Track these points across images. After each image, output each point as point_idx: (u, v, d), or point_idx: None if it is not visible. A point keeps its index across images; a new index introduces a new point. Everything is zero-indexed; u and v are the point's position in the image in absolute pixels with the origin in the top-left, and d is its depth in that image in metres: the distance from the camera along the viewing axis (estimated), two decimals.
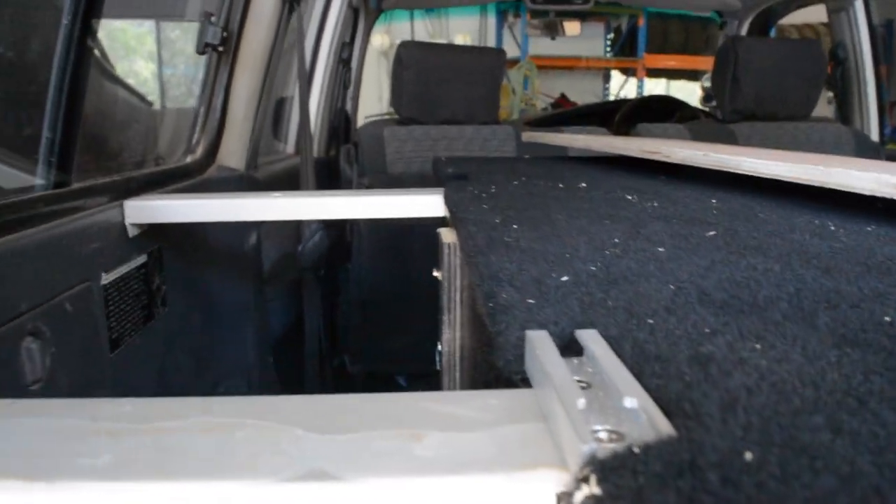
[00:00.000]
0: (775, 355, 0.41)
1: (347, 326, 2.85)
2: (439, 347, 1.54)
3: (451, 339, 0.92)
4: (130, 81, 1.99)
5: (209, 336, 1.79)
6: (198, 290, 1.71)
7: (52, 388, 1.04)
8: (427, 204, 1.28)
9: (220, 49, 1.70)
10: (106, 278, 1.21)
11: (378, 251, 2.69)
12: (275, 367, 2.13)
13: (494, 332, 0.49)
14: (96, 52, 1.23)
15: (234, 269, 1.88)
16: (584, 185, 1.21)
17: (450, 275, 0.90)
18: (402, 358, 2.90)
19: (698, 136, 2.69)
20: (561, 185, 1.20)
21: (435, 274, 0.97)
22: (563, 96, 8.23)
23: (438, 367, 1.80)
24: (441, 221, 1.31)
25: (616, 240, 0.75)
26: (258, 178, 1.93)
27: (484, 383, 0.63)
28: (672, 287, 0.57)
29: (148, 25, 2.63)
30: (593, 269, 0.62)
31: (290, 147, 2.96)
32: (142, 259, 1.35)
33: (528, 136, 1.81)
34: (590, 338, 0.45)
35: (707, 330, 0.46)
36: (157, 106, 1.91)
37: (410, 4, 4.11)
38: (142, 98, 1.92)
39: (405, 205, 1.29)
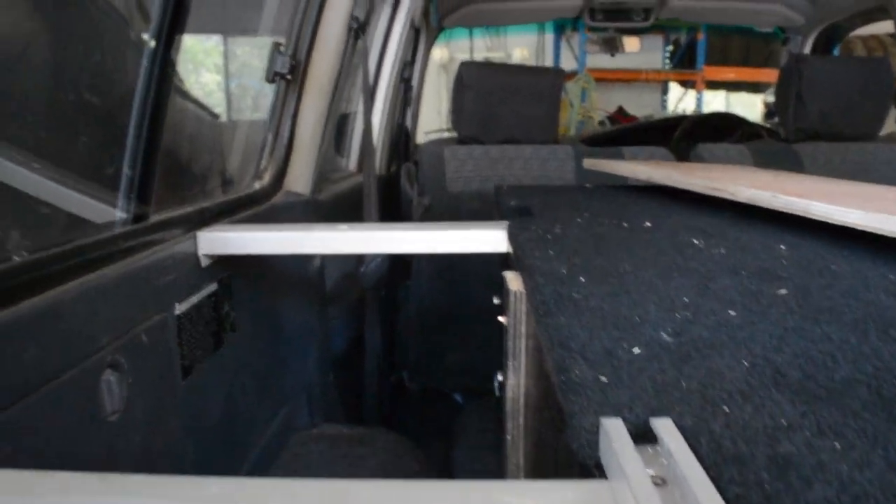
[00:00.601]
0: (856, 458, 0.41)
1: (406, 343, 2.88)
2: (499, 378, 1.55)
3: (516, 385, 0.93)
4: (198, 102, 2.05)
5: (274, 358, 1.83)
6: (264, 313, 1.75)
7: (129, 418, 1.08)
8: (490, 239, 1.29)
9: (289, 77, 1.74)
10: (179, 308, 1.25)
11: (437, 271, 2.72)
12: (335, 384, 2.16)
13: (568, 414, 0.50)
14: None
15: (298, 291, 1.92)
16: (648, 224, 1.20)
17: (515, 321, 0.91)
18: (459, 375, 2.91)
19: (761, 158, 2.64)
20: (625, 225, 1.19)
21: (500, 319, 0.98)
22: (620, 109, 8.15)
23: (497, 394, 1.80)
24: (504, 257, 1.32)
25: (685, 298, 0.75)
26: (322, 201, 1.97)
27: (553, 454, 0.63)
28: (746, 363, 0.57)
29: (216, 41, 2.71)
30: (665, 337, 0.63)
31: (352, 163, 3.01)
32: (212, 287, 1.39)
33: (590, 163, 1.81)
34: (665, 428, 0.46)
35: (784, 422, 0.46)
36: (226, 130, 1.96)
37: (470, 22, 4.13)
38: (211, 122, 1.97)
39: (469, 240, 1.30)
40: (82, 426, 0.97)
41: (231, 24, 2.43)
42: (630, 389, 0.52)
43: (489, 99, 2.87)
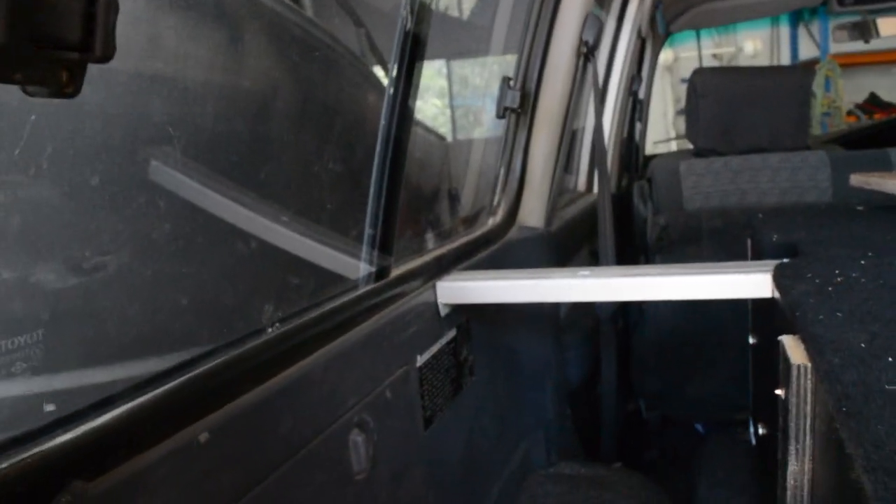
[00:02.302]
0: None
1: (643, 370, 2.74)
2: (760, 430, 1.39)
3: (799, 472, 0.80)
4: (428, 129, 2.07)
5: (511, 395, 1.80)
6: (500, 353, 1.72)
7: (376, 474, 1.08)
8: (750, 285, 1.15)
9: (519, 110, 1.70)
10: (421, 360, 1.24)
11: None
12: (572, 417, 2.09)
13: None
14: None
15: (533, 325, 1.87)
16: None
17: (798, 400, 0.78)
18: (701, 404, 2.72)
19: None
20: None
21: (777, 392, 0.85)
22: (873, 97, 7.30)
23: (753, 441, 1.63)
24: (767, 302, 1.17)
25: None
26: (555, 233, 1.91)
27: None
28: None
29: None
30: None
31: (581, 181, 2.93)
32: (451, 334, 1.38)
33: (860, 180, 1.59)
34: None
35: None
36: (457, 167, 1.97)
37: (700, 24, 3.89)
38: (445, 158, 1.98)
39: (724, 284, 1.17)
40: (332, 487, 0.98)
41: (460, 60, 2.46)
42: None
43: (727, 106, 2.66)
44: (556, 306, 1.94)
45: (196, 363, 0.78)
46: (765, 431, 1.32)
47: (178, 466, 0.70)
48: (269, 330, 0.89)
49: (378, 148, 1.13)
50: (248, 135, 1.05)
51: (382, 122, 1.11)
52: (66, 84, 0.47)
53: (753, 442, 1.65)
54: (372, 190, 1.12)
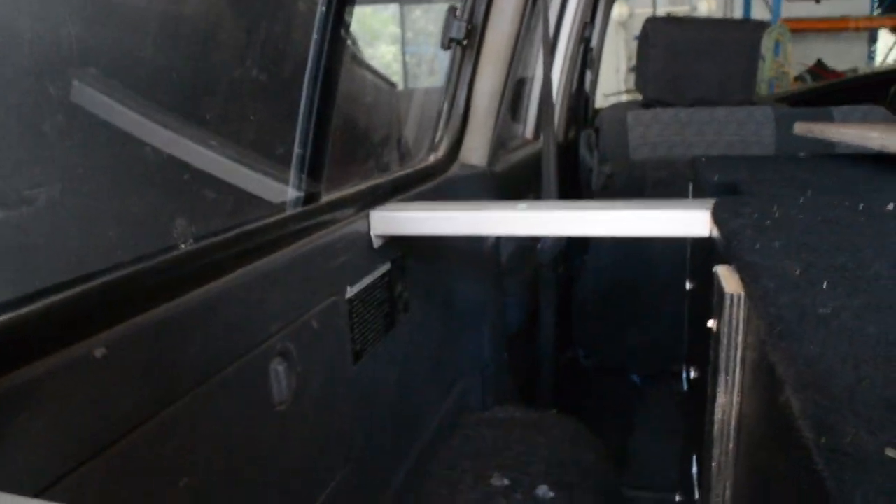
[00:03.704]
0: None
1: (582, 319, 2.75)
2: (692, 374, 1.39)
3: (727, 404, 0.78)
4: (372, 70, 2.00)
5: (447, 336, 1.77)
6: (437, 291, 1.69)
7: (299, 405, 1.04)
8: (690, 222, 1.13)
9: (465, 43, 1.64)
10: (351, 291, 1.20)
11: (617, 243, 2.55)
12: (509, 363, 2.08)
13: (833, 494, 0.36)
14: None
15: (472, 267, 1.84)
16: (892, 206, 0.99)
17: (730, 329, 0.76)
18: (639, 355, 2.75)
19: None
20: (862, 207, 0.99)
21: (709, 324, 0.83)
22: (819, 63, 7.40)
23: (685, 388, 1.63)
24: (705, 242, 1.15)
25: None
26: (499, 173, 1.87)
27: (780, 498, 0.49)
28: None
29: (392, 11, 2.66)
30: None
31: (529, 130, 2.88)
32: (385, 268, 1.33)
33: (803, 128, 1.58)
34: None
35: None
36: (401, 101, 1.90)
37: None
38: (387, 92, 1.91)
39: (663, 221, 1.15)
40: (252, 415, 0.93)
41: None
42: None
43: (678, 57, 2.64)
44: (496, 249, 1.91)
45: (95, 276, 0.72)
46: (696, 374, 1.31)
47: (71, 381, 0.64)
48: (182, 246, 0.83)
49: (309, 65, 1.07)
50: (169, 48, 0.97)
51: (315, 35, 1.04)
52: None
53: (685, 387, 1.66)
54: (302, 108, 1.05)
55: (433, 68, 2.33)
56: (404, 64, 2.58)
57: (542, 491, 1.51)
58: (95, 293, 0.70)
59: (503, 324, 1.99)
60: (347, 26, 1.08)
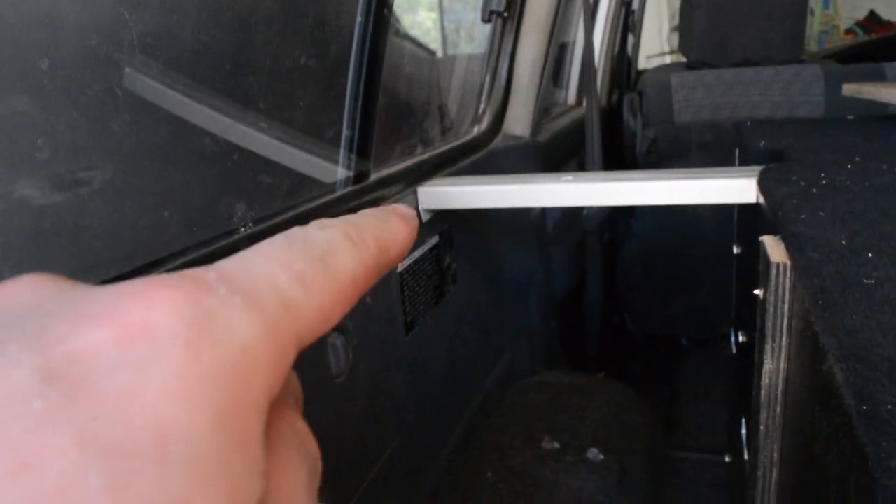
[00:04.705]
0: None
1: (629, 285, 2.75)
2: (741, 338, 1.40)
3: (774, 371, 0.80)
4: (413, 41, 2.01)
5: (495, 305, 1.80)
6: (484, 261, 1.72)
7: (355, 379, 1.08)
8: (735, 189, 1.14)
9: (505, 14, 1.64)
10: (402, 265, 1.23)
11: (663, 209, 2.54)
12: (556, 330, 2.10)
13: (873, 457, 0.39)
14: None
15: (518, 236, 1.86)
16: None
17: (776, 298, 0.78)
18: (685, 319, 2.75)
19: None
20: None
21: (756, 293, 0.85)
22: (872, 14, 7.13)
23: (734, 352, 1.64)
24: (751, 208, 1.16)
25: None
26: (542, 143, 1.88)
27: (823, 458, 0.51)
28: None
29: None
30: None
31: (571, 95, 2.87)
32: (433, 241, 1.36)
33: (852, 89, 1.55)
34: None
35: None
36: (440, 70, 1.91)
37: None
38: (429, 63, 1.92)
39: (709, 190, 1.15)
40: (311, 388, 0.98)
41: None
42: None
43: (722, 16, 2.59)
44: (541, 218, 1.92)
45: (163, 262, 0.76)
46: (744, 339, 1.32)
47: None
48: (242, 229, 0.87)
49: (354, 48, 1.09)
50: (221, 37, 1.00)
51: (359, 17, 1.06)
52: None
53: (734, 351, 1.67)
54: (349, 90, 1.08)
55: (472, 35, 2.33)
56: (443, 31, 2.59)
57: (592, 454, 1.55)
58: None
59: (550, 291, 2.02)
60: (391, 6, 1.10)
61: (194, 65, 0.95)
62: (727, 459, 1.71)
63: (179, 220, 0.91)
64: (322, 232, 0.21)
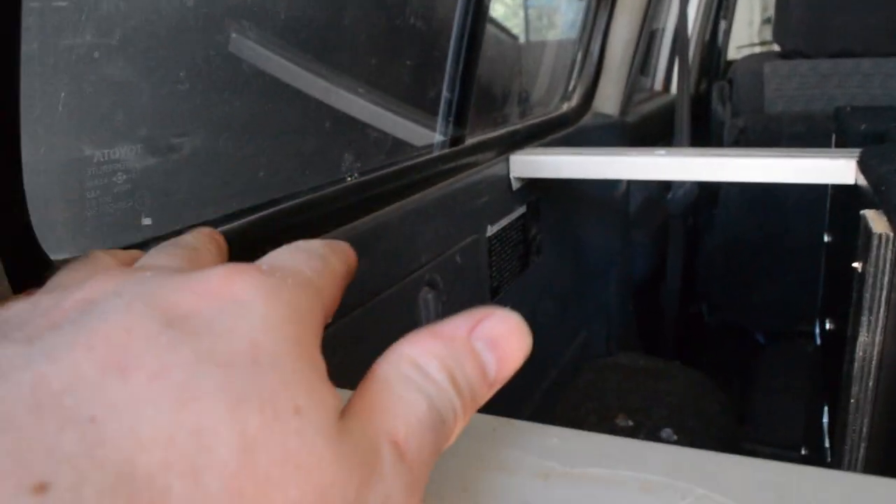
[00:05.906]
0: None
1: (708, 274, 2.72)
2: (828, 326, 1.38)
3: (869, 343, 0.80)
4: (500, 26, 2.03)
5: (576, 282, 1.81)
6: (568, 236, 1.73)
7: None
8: (833, 170, 1.12)
9: None
10: (491, 230, 1.26)
11: (749, 198, 2.50)
12: (634, 312, 2.10)
13: None
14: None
15: (603, 216, 1.87)
16: None
17: (877, 270, 0.78)
18: (765, 313, 2.70)
19: None
20: None
21: (854, 265, 0.85)
22: None
23: (819, 342, 1.61)
24: (849, 191, 1.14)
25: None
26: (630, 123, 1.88)
27: None
28: None
29: None
30: None
31: (658, 82, 2.85)
32: (521, 210, 1.39)
33: None
34: None
35: None
36: (534, 49, 1.93)
37: None
38: (509, 46, 1.94)
39: (807, 169, 1.14)
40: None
41: None
42: None
43: (821, 4, 2.52)
44: (625, 200, 1.93)
45: (279, 202, 0.81)
46: (832, 326, 1.31)
47: None
48: (349, 178, 0.92)
49: (457, 15, 1.12)
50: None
51: None
52: None
53: (818, 342, 1.64)
54: (450, 56, 1.11)
55: (553, 21, 2.33)
56: (526, 17, 2.59)
57: (666, 434, 1.55)
58: (280, 215, 0.79)
59: (629, 274, 2.02)
60: None
61: (302, 32, 1.00)
62: (804, 452, 1.69)
63: (296, 167, 0.97)
64: (311, 245, 0.31)
